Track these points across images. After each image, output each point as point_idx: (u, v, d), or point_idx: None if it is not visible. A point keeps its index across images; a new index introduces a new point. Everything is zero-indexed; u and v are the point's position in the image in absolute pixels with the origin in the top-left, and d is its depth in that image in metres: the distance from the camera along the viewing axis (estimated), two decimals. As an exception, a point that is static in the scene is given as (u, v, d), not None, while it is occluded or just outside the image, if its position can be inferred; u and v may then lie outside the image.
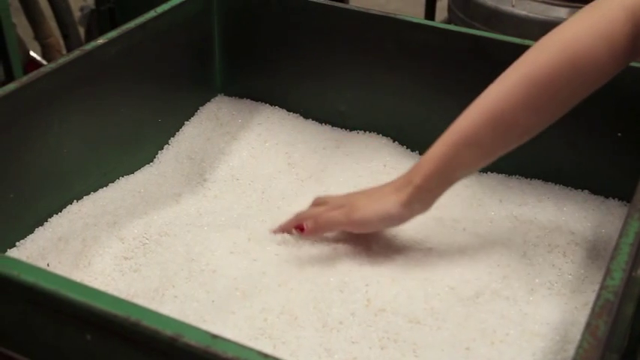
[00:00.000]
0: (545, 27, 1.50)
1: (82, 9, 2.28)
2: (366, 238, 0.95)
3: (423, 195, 0.89)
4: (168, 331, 0.57)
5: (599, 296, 0.62)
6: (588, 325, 0.60)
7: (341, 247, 0.93)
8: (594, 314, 0.61)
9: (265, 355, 0.56)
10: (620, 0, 0.83)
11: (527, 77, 0.84)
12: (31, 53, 2.27)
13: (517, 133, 0.87)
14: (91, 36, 2.26)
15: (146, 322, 0.58)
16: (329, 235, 0.95)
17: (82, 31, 2.33)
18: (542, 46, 0.85)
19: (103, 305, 0.60)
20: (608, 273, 0.64)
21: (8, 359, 0.69)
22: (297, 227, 0.94)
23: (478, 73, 1.08)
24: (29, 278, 0.62)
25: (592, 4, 0.85)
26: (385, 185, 0.93)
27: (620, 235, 0.69)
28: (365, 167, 1.12)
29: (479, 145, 0.86)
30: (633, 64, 0.89)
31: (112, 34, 1.03)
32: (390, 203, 0.89)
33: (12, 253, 0.93)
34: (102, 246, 0.96)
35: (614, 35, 0.82)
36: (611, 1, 0.83)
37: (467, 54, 1.08)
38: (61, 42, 2.34)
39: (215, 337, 0.57)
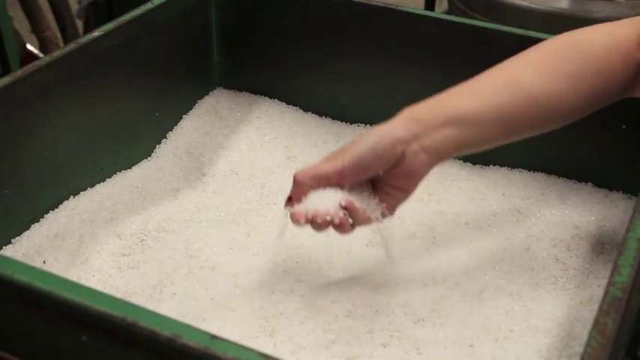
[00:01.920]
0: (546, 17, 1.50)
1: (79, 1, 2.26)
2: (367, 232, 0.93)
3: (412, 123, 0.83)
4: (166, 332, 0.56)
5: (606, 293, 0.61)
6: (596, 322, 0.58)
7: (341, 243, 0.92)
8: (602, 311, 0.59)
9: (266, 356, 0.55)
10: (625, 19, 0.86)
11: (531, 50, 0.86)
12: (29, 46, 2.26)
13: (518, 89, 0.83)
14: (88, 29, 2.24)
15: (143, 323, 0.57)
16: (329, 229, 0.93)
17: (80, 24, 2.31)
18: (548, 39, 0.88)
19: (100, 305, 0.58)
20: (615, 269, 0.63)
21: (3, 360, 0.68)
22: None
23: (480, 64, 1.06)
24: (23, 277, 0.61)
25: None
26: None
27: (628, 230, 0.67)
28: (366, 161, 1.11)
29: (473, 90, 0.85)
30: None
31: (108, 26, 1.02)
32: (378, 129, 0.82)
33: (7, 250, 0.92)
34: (99, 242, 0.95)
35: (619, 35, 0.84)
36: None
37: (469, 45, 1.06)
38: (59, 35, 2.32)
39: (214, 337, 0.56)
